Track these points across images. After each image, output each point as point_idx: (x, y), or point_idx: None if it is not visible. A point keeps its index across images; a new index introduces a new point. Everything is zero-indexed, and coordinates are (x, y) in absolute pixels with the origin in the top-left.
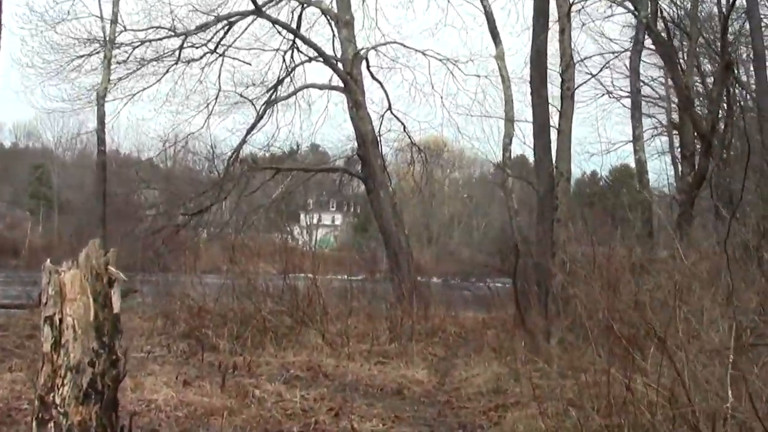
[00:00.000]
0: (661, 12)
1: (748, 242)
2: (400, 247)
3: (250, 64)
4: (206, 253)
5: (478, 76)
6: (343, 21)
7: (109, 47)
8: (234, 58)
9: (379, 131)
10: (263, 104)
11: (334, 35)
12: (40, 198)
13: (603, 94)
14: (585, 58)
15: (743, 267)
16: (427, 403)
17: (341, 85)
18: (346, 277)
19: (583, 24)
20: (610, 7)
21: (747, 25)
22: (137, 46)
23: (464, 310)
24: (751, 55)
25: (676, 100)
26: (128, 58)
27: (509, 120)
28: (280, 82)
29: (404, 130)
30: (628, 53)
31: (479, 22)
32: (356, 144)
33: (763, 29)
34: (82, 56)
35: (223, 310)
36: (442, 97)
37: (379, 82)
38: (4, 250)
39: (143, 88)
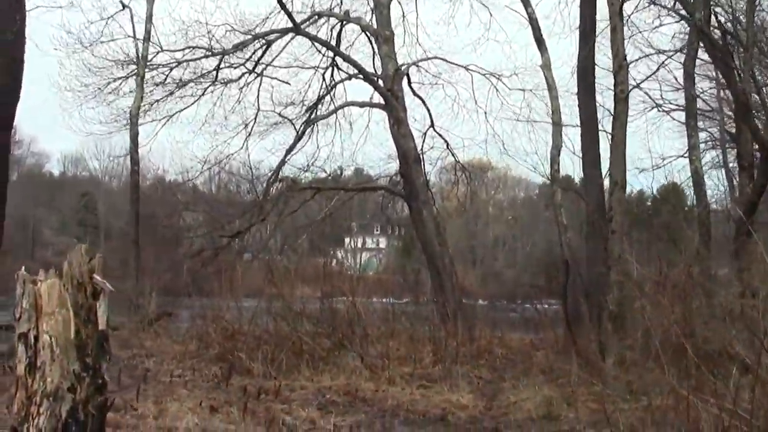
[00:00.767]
0: (716, 16)
1: None
2: (444, 267)
3: (289, 84)
4: (246, 276)
5: (523, 90)
6: (383, 37)
7: (143, 65)
8: (273, 78)
9: (421, 149)
10: (303, 123)
11: (374, 52)
12: (87, 225)
13: (652, 108)
14: (632, 62)
15: None
16: (473, 429)
17: (382, 102)
18: (389, 300)
19: (631, 35)
20: (659, 17)
21: None
22: (174, 67)
23: (511, 331)
24: None
25: (731, 111)
26: (165, 79)
27: (557, 130)
28: (319, 100)
29: (447, 148)
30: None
31: (523, 35)
32: (398, 162)
33: None
34: (119, 78)
35: (258, 332)
36: (486, 113)
37: (421, 99)
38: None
39: (181, 109)
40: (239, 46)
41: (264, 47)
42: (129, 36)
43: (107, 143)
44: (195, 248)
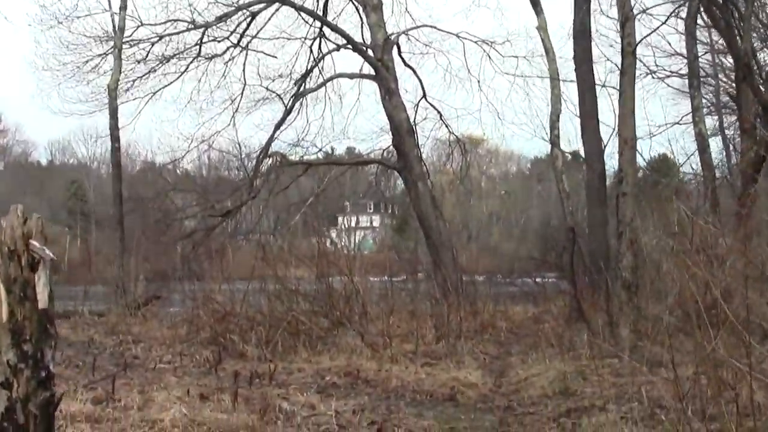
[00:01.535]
0: None
1: None
2: (442, 241)
3: (275, 57)
4: (238, 257)
5: (517, 57)
6: (371, 5)
7: (119, 37)
8: (258, 51)
9: (414, 120)
10: (291, 97)
11: (362, 21)
12: (77, 213)
13: (646, 75)
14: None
15: None
16: (484, 409)
17: (372, 73)
18: (386, 278)
19: None
20: None
21: None
22: (156, 42)
23: (512, 305)
24: None
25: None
26: (147, 55)
27: (555, 94)
28: (308, 73)
29: (440, 118)
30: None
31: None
32: (391, 135)
33: None
34: (99, 55)
35: (251, 313)
36: (479, 82)
37: (412, 69)
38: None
39: (164, 85)
40: (222, 18)
41: (248, 19)
42: (106, 10)
43: (94, 129)
44: (185, 230)
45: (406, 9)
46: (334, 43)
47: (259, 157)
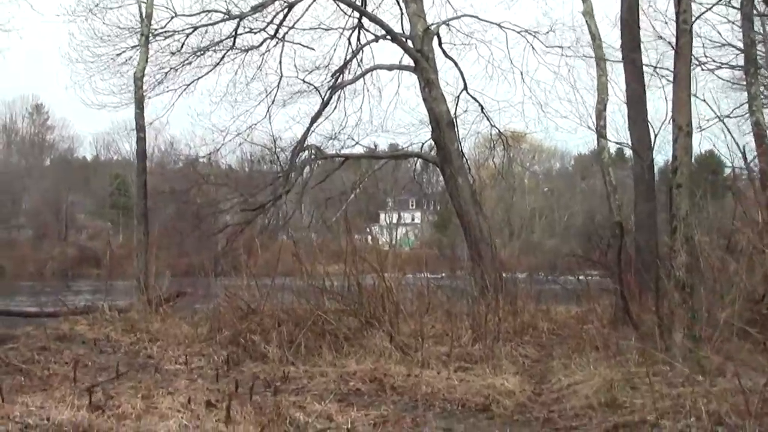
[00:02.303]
0: None
1: None
2: (482, 237)
3: (313, 49)
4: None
5: (561, 47)
6: None
7: (146, 23)
8: (295, 43)
9: (454, 113)
10: (328, 90)
11: (402, 12)
12: (120, 208)
13: (696, 66)
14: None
15: None
16: (522, 421)
17: (412, 64)
18: (424, 274)
19: None
20: None
21: None
22: (190, 33)
23: (554, 304)
24: None
25: None
26: (182, 47)
27: (602, 83)
28: (345, 65)
29: (482, 111)
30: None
31: None
32: (431, 128)
33: None
34: (133, 47)
35: (275, 311)
36: (522, 73)
37: (453, 61)
38: (86, 260)
39: (198, 77)
40: (258, 8)
41: (285, 10)
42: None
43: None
44: (219, 225)
45: None
46: (372, 34)
47: (294, 150)
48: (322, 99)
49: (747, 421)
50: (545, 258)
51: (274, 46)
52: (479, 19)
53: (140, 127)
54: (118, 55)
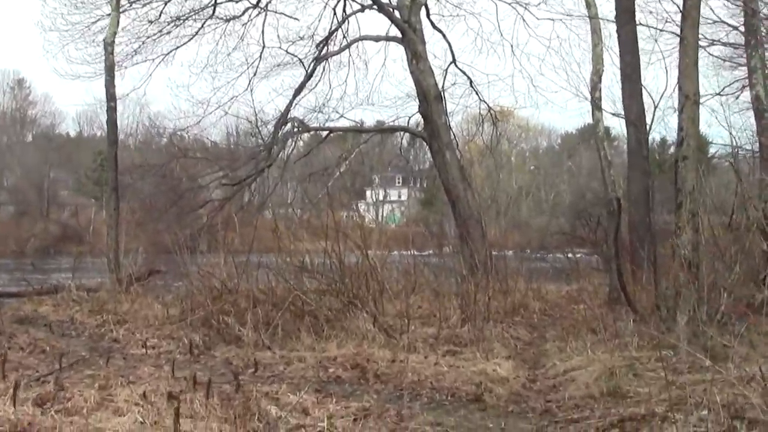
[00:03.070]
0: None
1: None
2: (470, 213)
3: (297, 19)
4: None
5: (553, 19)
6: None
7: None
8: (278, 13)
9: (442, 87)
10: (312, 61)
11: None
12: (103, 184)
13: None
14: None
15: None
16: (517, 413)
17: (399, 36)
18: (411, 252)
19: None
20: None
21: None
22: (168, 1)
23: (544, 282)
24: None
25: None
26: (160, 16)
27: (597, 53)
28: (330, 35)
29: (471, 85)
30: None
31: None
32: (418, 101)
33: None
34: (109, 14)
35: (251, 290)
36: (512, 46)
37: (441, 32)
38: (69, 237)
39: (176, 47)
40: None
41: None
42: None
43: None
44: (198, 200)
45: None
46: (359, 3)
47: (277, 123)
48: (306, 71)
49: None
50: (533, 236)
51: (257, 15)
52: None
53: (111, 96)
54: (93, 23)
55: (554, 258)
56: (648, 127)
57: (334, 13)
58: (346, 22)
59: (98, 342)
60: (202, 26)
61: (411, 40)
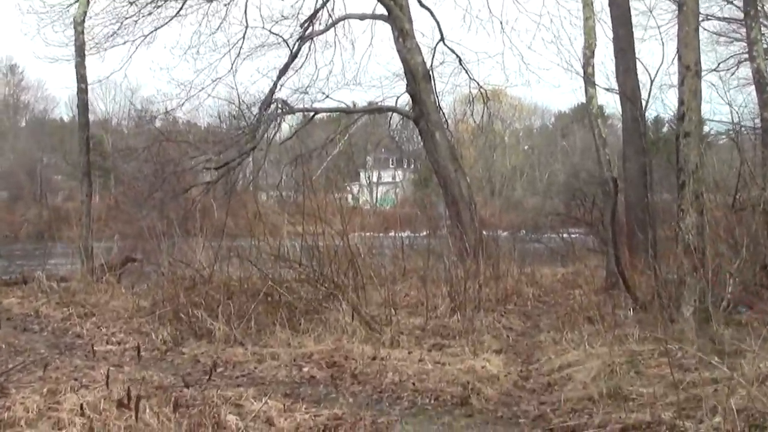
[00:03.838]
0: None
1: None
2: (461, 195)
3: None
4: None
5: None
6: None
7: None
8: None
9: (431, 65)
10: (297, 40)
11: None
12: (96, 169)
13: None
14: None
15: None
16: (508, 418)
17: (385, 13)
18: (401, 234)
19: None
20: None
21: None
22: None
23: (538, 265)
24: None
25: None
26: None
27: (589, 26)
28: (315, 14)
29: (460, 63)
30: None
31: None
32: (406, 81)
33: None
34: None
35: (224, 281)
36: (501, 23)
37: (429, 10)
38: (62, 222)
39: (156, 27)
40: None
41: None
42: None
43: (113, 85)
44: (181, 185)
45: None
46: None
47: (262, 105)
48: (291, 51)
49: None
50: (527, 216)
51: None
52: None
53: (81, 77)
54: (70, 5)
55: (549, 238)
56: (644, 104)
57: None
58: (331, 0)
59: (61, 338)
60: (182, 6)
61: (397, 17)
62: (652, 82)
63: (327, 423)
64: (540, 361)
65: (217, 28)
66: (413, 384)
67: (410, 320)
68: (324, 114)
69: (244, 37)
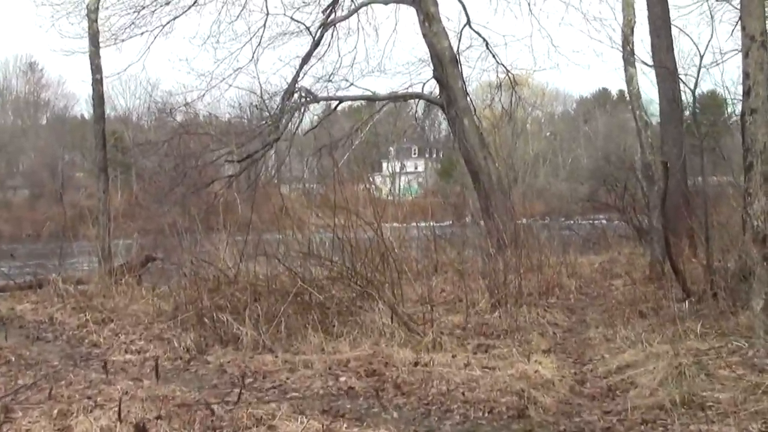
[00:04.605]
0: None
1: None
2: (493, 184)
3: None
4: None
5: None
6: None
7: None
8: None
9: (457, 50)
10: (319, 27)
11: None
12: (118, 165)
13: None
14: None
15: None
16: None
17: None
18: (429, 223)
19: None
20: None
21: None
22: None
23: (574, 254)
24: None
25: None
26: None
27: (628, 2)
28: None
29: (487, 47)
30: None
31: None
32: (432, 66)
33: None
34: None
35: (252, 281)
36: (529, 4)
37: None
38: (84, 220)
39: (174, 17)
40: None
41: None
42: None
43: (133, 80)
44: (204, 179)
45: None
46: None
47: (285, 94)
48: (313, 38)
49: None
50: (555, 203)
51: None
52: None
53: (96, 68)
54: None
55: (578, 226)
56: (695, 82)
57: None
58: None
59: (76, 347)
60: None
61: (422, 0)
62: (701, 57)
63: None
64: (593, 362)
65: (237, 16)
66: (463, 394)
67: (449, 318)
68: (347, 104)
69: (264, 25)
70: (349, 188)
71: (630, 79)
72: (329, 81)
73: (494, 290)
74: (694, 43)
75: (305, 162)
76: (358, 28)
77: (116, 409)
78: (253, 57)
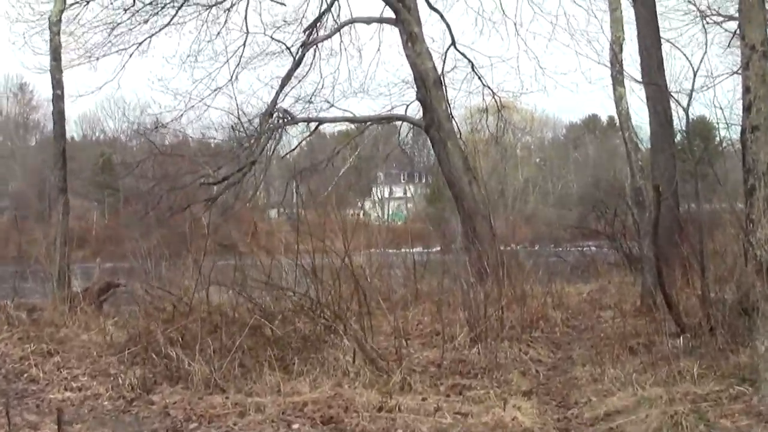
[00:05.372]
0: None
1: None
2: (476, 209)
3: (284, 4)
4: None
5: None
6: None
7: None
8: None
9: (442, 71)
10: (300, 47)
11: None
12: (105, 187)
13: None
14: None
15: None
16: None
17: (392, 17)
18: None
19: None
20: None
21: None
22: None
23: (560, 283)
24: None
25: None
26: (134, 3)
27: (616, 20)
28: (319, 18)
29: (472, 69)
30: None
31: None
32: (415, 88)
33: None
34: (77, 1)
35: (207, 312)
36: (516, 25)
37: (439, 13)
38: (71, 241)
39: (150, 34)
40: None
41: None
42: None
43: (121, 101)
44: (178, 202)
45: None
46: None
47: (264, 115)
48: (294, 58)
49: None
50: (543, 229)
51: (238, 1)
52: None
53: (57, 83)
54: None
55: (566, 252)
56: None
57: None
58: (336, 4)
59: (13, 382)
60: (177, 12)
61: (405, 20)
62: (695, 72)
63: None
64: (579, 406)
65: (216, 35)
66: None
67: (424, 354)
68: (334, 129)
69: (244, 45)
70: (329, 214)
71: (619, 99)
72: (309, 102)
73: (474, 323)
74: (687, 59)
75: (285, 187)
76: (340, 49)
77: None
78: (231, 77)
